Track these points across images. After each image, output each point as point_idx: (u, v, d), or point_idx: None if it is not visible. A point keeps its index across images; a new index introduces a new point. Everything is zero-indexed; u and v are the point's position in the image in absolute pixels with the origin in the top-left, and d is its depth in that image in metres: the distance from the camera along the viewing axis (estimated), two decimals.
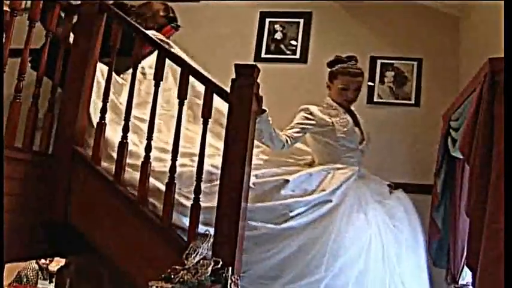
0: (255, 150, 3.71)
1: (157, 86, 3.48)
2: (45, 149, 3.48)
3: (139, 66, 3.99)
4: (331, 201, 3.42)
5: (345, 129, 3.79)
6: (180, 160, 3.39)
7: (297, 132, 3.74)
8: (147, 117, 3.50)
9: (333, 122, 3.79)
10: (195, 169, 3.24)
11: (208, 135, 3.39)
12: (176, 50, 4.21)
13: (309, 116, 3.80)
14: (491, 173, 2.74)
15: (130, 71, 3.65)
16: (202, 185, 3.26)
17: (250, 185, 3.36)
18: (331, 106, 3.89)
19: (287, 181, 3.46)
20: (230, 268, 2.76)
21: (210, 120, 3.37)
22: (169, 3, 4.52)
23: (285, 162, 3.76)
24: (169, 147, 3.38)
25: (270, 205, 3.37)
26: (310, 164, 3.82)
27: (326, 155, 3.81)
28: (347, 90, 3.89)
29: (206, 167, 3.34)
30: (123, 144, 3.43)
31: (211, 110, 3.36)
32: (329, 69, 3.98)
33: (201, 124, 3.35)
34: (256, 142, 3.60)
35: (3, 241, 2.76)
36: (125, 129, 3.45)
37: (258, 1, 5.13)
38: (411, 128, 4.62)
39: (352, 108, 4.00)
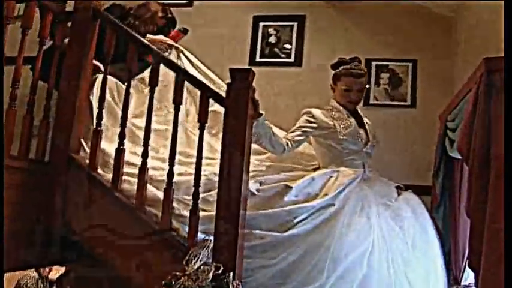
0: (260, 157, 3.71)
1: (152, 91, 3.46)
2: (41, 157, 3.46)
3: (148, 71, 3.98)
4: (333, 205, 3.39)
5: (347, 131, 3.76)
6: (185, 169, 3.39)
7: (299, 135, 3.73)
8: (155, 126, 3.49)
9: (334, 125, 3.77)
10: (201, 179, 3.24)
11: (217, 142, 3.37)
12: (187, 54, 4.21)
13: (311, 119, 3.79)
14: (490, 173, 2.73)
15: (139, 76, 3.64)
16: (206, 193, 3.25)
17: (254, 191, 3.35)
18: (335, 108, 3.88)
19: (290, 187, 3.44)
20: (231, 273, 2.74)
21: (206, 125, 3.36)
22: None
23: (288, 167, 3.73)
24: (178, 157, 3.38)
25: (274, 212, 3.33)
26: (318, 169, 3.79)
27: (329, 158, 3.79)
28: (350, 92, 3.88)
29: (210, 175, 3.34)
30: (119, 150, 3.41)
31: (207, 115, 3.35)
32: (333, 72, 3.96)
33: (212, 132, 3.34)
34: (261, 149, 3.60)
35: (3, 248, 2.73)
36: (121, 136, 3.44)
37: (252, 1, 5.12)
38: (408, 129, 4.62)
39: (359, 110, 3.99)
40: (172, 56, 4.13)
